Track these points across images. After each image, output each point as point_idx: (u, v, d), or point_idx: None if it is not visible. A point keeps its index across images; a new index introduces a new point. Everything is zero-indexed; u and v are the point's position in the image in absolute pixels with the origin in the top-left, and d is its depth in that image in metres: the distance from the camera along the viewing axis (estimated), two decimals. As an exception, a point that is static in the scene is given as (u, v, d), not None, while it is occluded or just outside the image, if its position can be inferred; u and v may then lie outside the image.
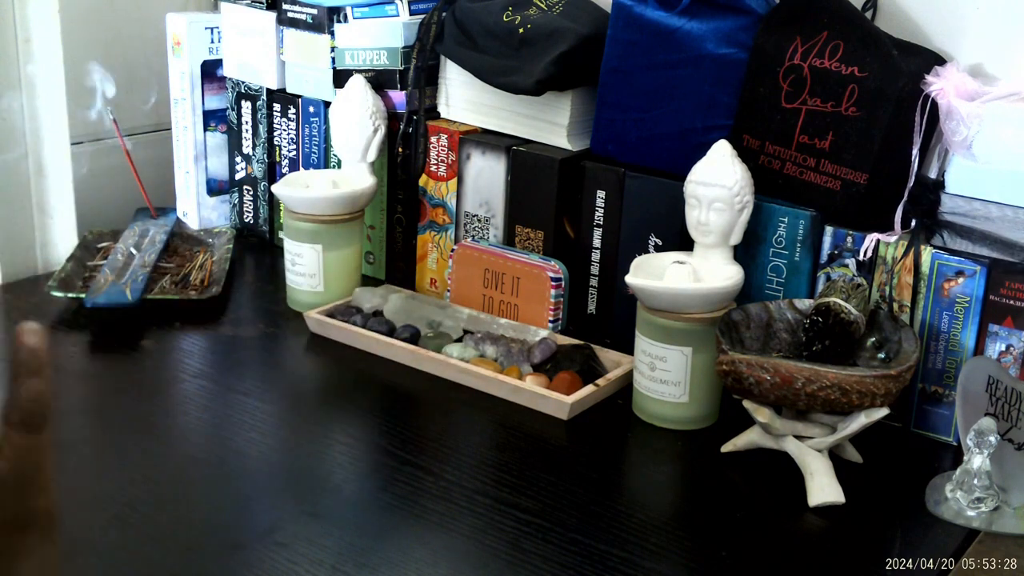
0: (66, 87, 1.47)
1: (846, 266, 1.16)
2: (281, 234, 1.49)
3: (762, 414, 1.02)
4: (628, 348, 1.20)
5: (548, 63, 1.27)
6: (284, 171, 1.57)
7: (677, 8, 1.21)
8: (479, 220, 1.39)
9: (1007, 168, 1.06)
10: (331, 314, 1.34)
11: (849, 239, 1.15)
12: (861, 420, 1.00)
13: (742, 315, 1.12)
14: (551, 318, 1.29)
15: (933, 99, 1.09)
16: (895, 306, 1.12)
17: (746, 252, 1.20)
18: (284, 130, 1.56)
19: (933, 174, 1.15)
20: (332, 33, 1.46)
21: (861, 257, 1.14)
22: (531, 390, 1.16)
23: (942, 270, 1.09)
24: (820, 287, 1.17)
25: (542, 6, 1.34)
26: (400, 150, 1.45)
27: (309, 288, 1.39)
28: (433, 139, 1.41)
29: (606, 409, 1.18)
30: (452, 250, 1.37)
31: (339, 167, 1.49)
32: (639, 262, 1.17)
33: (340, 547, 0.91)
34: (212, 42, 1.60)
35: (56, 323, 1.35)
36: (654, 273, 1.16)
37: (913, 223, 1.13)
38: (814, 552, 0.95)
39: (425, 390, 1.21)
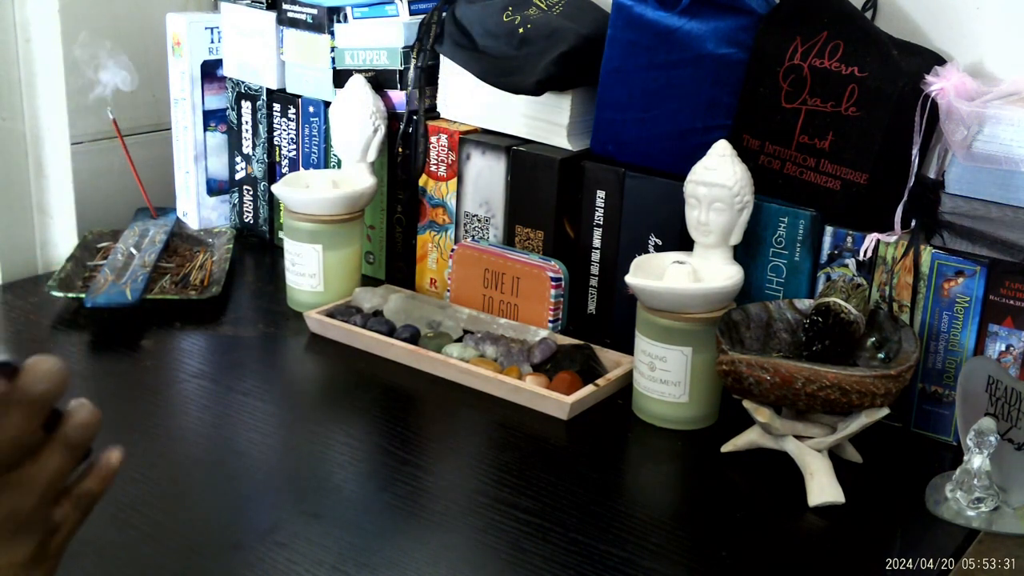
0: (66, 87, 1.47)
1: (846, 266, 1.16)
2: (281, 234, 1.49)
3: (762, 414, 1.02)
4: (628, 348, 1.20)
5: (548, 63, 1.27)
6: (284, 171, 1.57)
7: (677, 8, 1.21)
8: (479, 220, 1.39)
9: (1007, 168, 1.06)
10: (331, 314, 1.34)
11: (849, 239, 1.15)
12: (861, 420, 1.00)
13: (742, 315, 1.12)
14: (551, 318, 1.29)
15: (933, 99, 1.09)
16: (895, 306, 1.12)
17: (746, 252, 1.20)
18: (284, 130, 1.56)
19: (933, 174, 1.15)
20: (332, 33, 1.46)
21: (861, 257, 1.14)
22: (531, 390, 1.16)
23: (942, 270, 1.09)
24: (820, 287, 1.17)
25: (542, 6, 1.34)
26: (400, 150, 1.45)
27: (309, 288, 1.39)
28: (433, 139, 1.41)
29: (606, 409, 1.18)
30: (452, 250, 1.37)
31: (339, 167, 1.49)
32: (639, 262, 1.17)
33: (340, 547, 0.91)
34: (212, 42, 1.60)
35: (56, 323, 1.35)
36: (654, 273, 1.16)
37: (913, 223, 1.13)
38: (814, 552, 0.95)
39: (425, 390, 1.21)
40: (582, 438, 1.12)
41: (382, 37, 1.42)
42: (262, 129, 1.58)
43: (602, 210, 1.30)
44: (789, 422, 1.04)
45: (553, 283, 1.28)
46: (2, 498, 0.55)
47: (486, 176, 1.37)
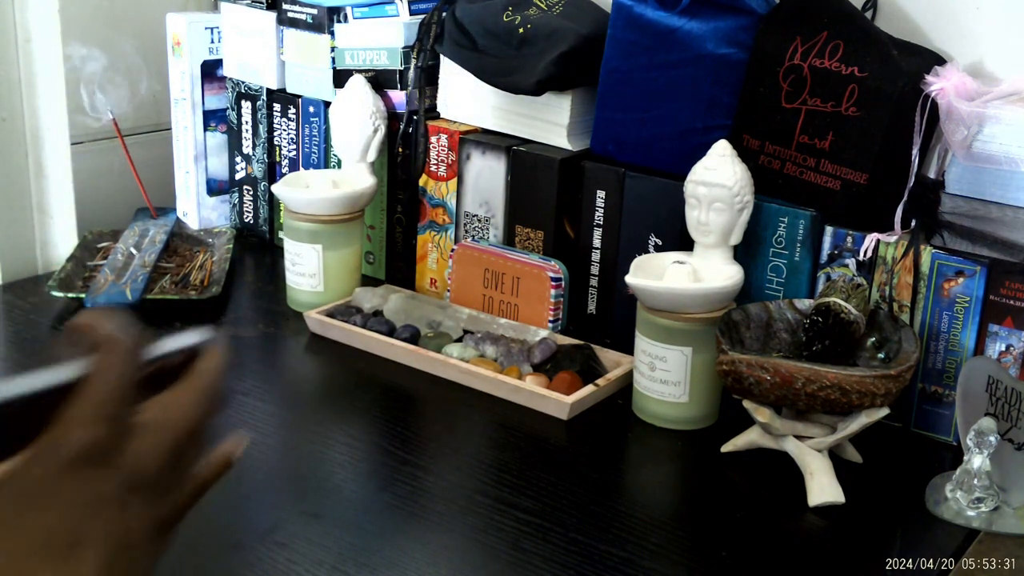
0: (66, 87, 1.47)
1: (846, 266, 1.16)
2: (281, 234, 1.49)
3: (762, 414, 1.02)
4: (628, 348, 1.20)
5: (548, 63, 1.27)
6: (284, 171, 1.57)
7: (677, 8, 1.21)
8: (479, 220, 1.39)
9: (1007, 168, 1.06)
10: (331, 314, 1.34)
11: (849, 239, 1.15)
12: (861, 420, 1.00)
13: (742, 315, 1.12)
14: (551, 318, 1.29)
15: (933, 99, 1.09)
16: (895, 306, 1.12)
17: (746, 252, 1.20)
18: (284, 130, 1.56)
19: (933, 174, 1.15)
20: (332, 33, 1.46)
21: (861, 257, 1.14)
22: (531, 390, 1.16)
23: (942, 270, 1.09)
24: (820, 287, 1.17)
25: (542, 6, 1.34)
26: (400, 150, 1.45)
27: (309, 288, 1.39)
28: (433, 139, 1.41)
29: (606, 409, 1.18)
30: (452, 250, 1.37)
31: (339, 167, 1.49)
32: (639, 262, 1.17)
33: (340, 547, 0.91)
34: (212, 42, 1.60)
35: (56, 323, 1.35)
36: (654, 273, 1.16)
37: (913, 223, 1.13)
38: (814, 552, 0.95)
39: (425, 390, 1.21)
40: (582, 438, 1.12)
41: (382, 37, 1.42)
42: (262, 129, 1.58)
43: (602, 210, 1.30)
44: (789, 422, 1.04)
45: (553, 283, 1.28)
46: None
47: (486, 176, 1.37)
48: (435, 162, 1.42)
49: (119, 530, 0.50)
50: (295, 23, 1.49)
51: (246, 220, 1.65)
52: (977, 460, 0.99)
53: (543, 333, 1.26)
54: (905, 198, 1.12)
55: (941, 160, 1.14)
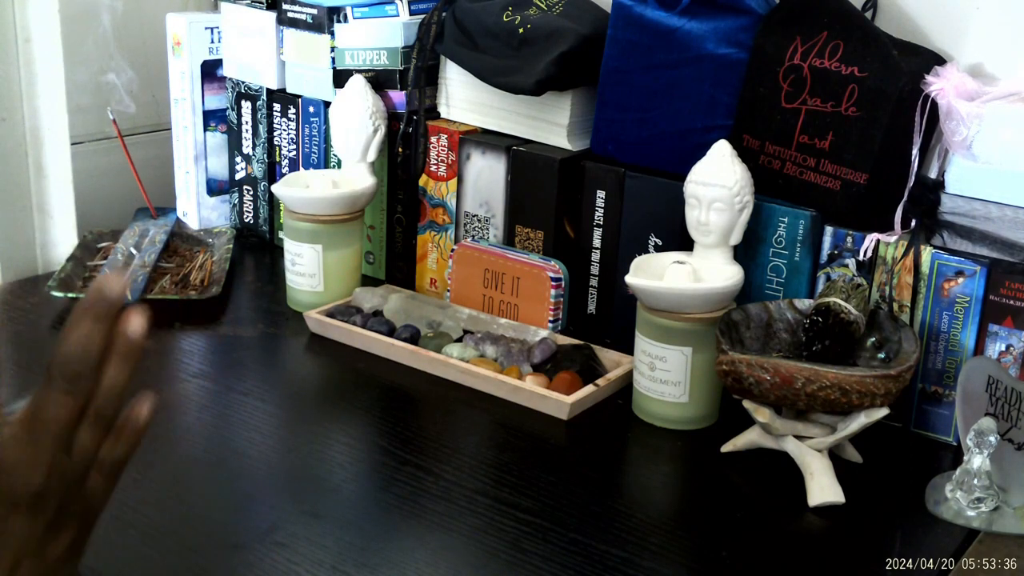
0: (66, 87, 1.47)
1: (846, 266, 1.16)
2: (281, 234, 1.49)
3: (762, 414, 1.02)
4: (628, 348, 1.20)
5: (548, 63, 1.27)
6: (284, 171, 1.57)
7: (677, 8, 1.21)
8: (479, 220, 1.39)
9: (1007, 168, 1.06)
10: (331, 314, 1.34)
11: (849, 239, 1.15)
12: (861, 420, 1.00)
13: (742, 315, 1.12)
14: (551, 318, 1.29)
15: (933, 99, 1.09)
16: (895, 306, 1.12)
17: (746, 252, 1.20)
18: (284, 130, 1.56)
19: (933, 174, 1.15)
20: (332, 33, 1.46)
21: (861, 257, 1.14)
22: (531, 390, 1.16)
23: (942, 270, 1.09)
24: (820, 287, 1.17)
25: (542, 6, 1.34)
26: (400, 150, 1.45)
27: (309, 288, 1.39)
28: (433, 139, 1.41)
29: (606, 409, 1.18)
30: (452, 250, 1.37)
31: (339, 167, 1.49)
32: (639, 262, 1.17)
33: (340, 547, 0.91)
34: (212, 42, 1.60)
35: (56, 323, 1.35)
36: (654, 273, 1.16)
37: (913, 223, 1.13)
38: (814, 552, 0.95)
39: (425, 390, 1.21)
40: (582, 438, 1.12)
41: (382, 37, 1.42)
42: (262, 129, 1.58)
43: (602, 210, 1.30)
44: (789, 422, 1.04)
45: (553, 283, 1.28)
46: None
47: (486, 176, 1.37)
48: (435, 162, 1.42)
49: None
50: (295, 23, 1.49)
51: (246, 220, 1.65)
52: (977, 460, 0.99)
53: (543, 333, 1.26)
54: (905, 198, 1.12)
55: (941, 160, 1.14)
